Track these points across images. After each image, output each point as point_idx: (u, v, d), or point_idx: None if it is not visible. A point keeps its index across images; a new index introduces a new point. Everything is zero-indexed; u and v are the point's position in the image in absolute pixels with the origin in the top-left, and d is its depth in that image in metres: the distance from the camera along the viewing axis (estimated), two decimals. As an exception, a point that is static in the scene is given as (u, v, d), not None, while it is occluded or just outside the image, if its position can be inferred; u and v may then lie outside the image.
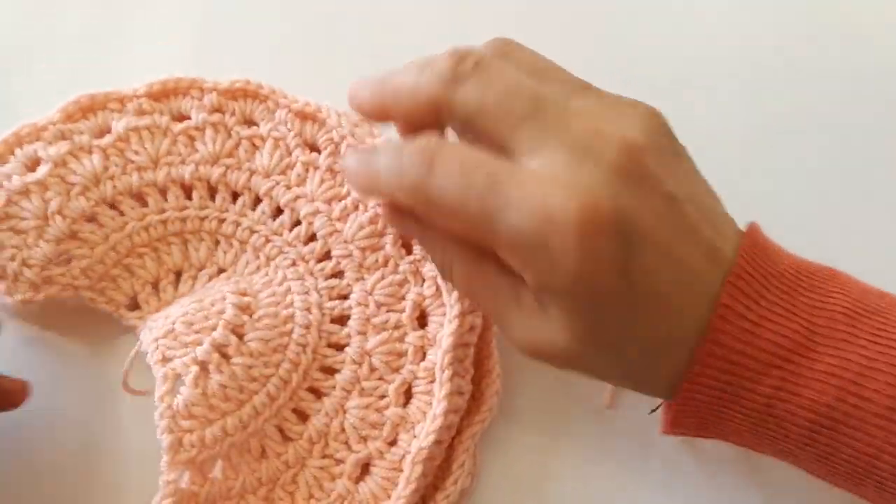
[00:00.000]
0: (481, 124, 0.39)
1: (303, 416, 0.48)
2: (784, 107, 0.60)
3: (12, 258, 0.48)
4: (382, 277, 0.49)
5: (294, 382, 0.47)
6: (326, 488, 0.47)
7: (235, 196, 0.52)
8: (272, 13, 0.64)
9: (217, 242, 0.51)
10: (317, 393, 0.48)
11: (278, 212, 0.51)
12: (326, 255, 0.50)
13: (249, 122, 0.52)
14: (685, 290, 0.38)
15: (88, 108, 0.51)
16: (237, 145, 0.52)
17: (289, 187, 0.51)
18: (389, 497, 0.46)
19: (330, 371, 0.48)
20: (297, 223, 0.51)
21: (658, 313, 0.38)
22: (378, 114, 0.44)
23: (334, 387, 0.48)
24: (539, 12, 0.63)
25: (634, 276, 0.37)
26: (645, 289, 0.37)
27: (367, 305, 0.49)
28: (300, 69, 0.61)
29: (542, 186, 0.36)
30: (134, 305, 0.51)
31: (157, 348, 0.45)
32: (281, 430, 0.47)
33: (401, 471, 0.46)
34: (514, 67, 0.40)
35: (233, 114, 0.52)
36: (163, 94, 0.52)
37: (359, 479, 0.47)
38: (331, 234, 0.50)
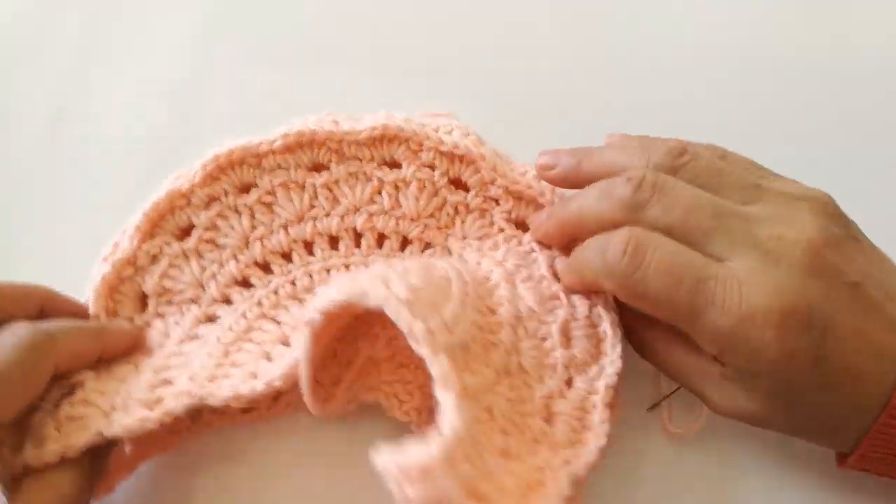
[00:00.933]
0: (676, 232, 0.43)
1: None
2: (784, 106, 0.60)
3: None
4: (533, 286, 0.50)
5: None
6: (518, 424, 0.45)
7: (381, 240, 0.52)
8: (272, 13, 0.64)
9: None
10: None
11: (426, 248, 0.52)
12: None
13: (391, 165, 0.52)
14: (872, 361, 0.41)
15: (227, 165, 0.51)
16: (379, 191, 0.51)
17: (439, 228, 0.52)
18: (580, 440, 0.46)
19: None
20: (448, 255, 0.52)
21: (847, 385, 0.41)
22: (566, 239, 0.49)
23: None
24: (539, 12, 0.63)
25: (826, 361, 0.41)
26: (835, 367, 0.41)
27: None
28: (303, 75, 0.61)
29: (742, 288, 0.41)
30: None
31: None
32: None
33: (587, 412, 0.46)
34: (689, 181, 0.45)
35: (371, 160, 0.52)
36: (297, 145, 0.51)
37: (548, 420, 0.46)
38: (483, 256, 0.51)
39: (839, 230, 0.43)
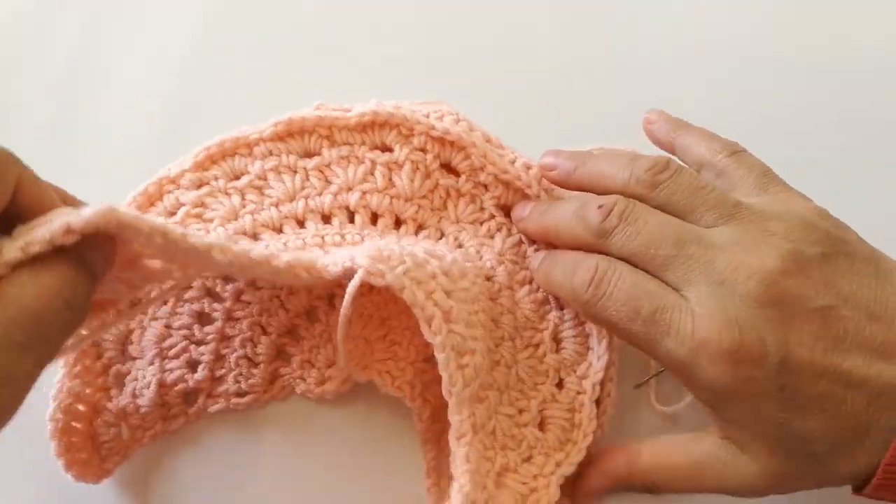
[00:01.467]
0: (636, 264, 0.44)
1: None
2: (783, 106, 0.60)
3: None
4: (529, 293, 0.51)
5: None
6: (517, 437, 0.47)
7: (375, 219, 0.51)
8: (272, 13, 0.64)
9: None
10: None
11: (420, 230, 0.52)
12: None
13: (383, 149, 0.52)
14: (854, 393, 0.40)
15: (219, 155, 0.51)
16: (372, 171, 0.51)
17: (433, 210, 0.51)
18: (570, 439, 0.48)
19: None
20: (441, 237, 0.52)
21: (833, 413, 0.40)
22: (543, 241, 0.51)
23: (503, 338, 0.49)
24: (539, 12, 0.63)
25: (793, 391, 0.40)
26: (808, 395, 0.40)
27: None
28: (303, 75, 0.61)
29: (694, 319, 0.41)
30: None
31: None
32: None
33: (576, 411, 0.48)
34: (666, 199, 0.45)
35: (362, 144, 0.52)
36: (287, 134, 0.51)
37: (541, 426, 0.48)
38: (482, 245, 0.51)
39: (815, 250, 0.42)
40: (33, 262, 0.32)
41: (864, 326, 0.41)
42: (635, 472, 0.46)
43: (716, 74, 0.61)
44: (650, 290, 0.42)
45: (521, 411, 0.47)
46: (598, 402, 0.49)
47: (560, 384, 0.49)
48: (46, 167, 0.57)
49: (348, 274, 0.41)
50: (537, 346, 0.49)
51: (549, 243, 0.50)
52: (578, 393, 0.48)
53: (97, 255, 0.35)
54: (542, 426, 0.48)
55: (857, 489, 0.43)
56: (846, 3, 0.64)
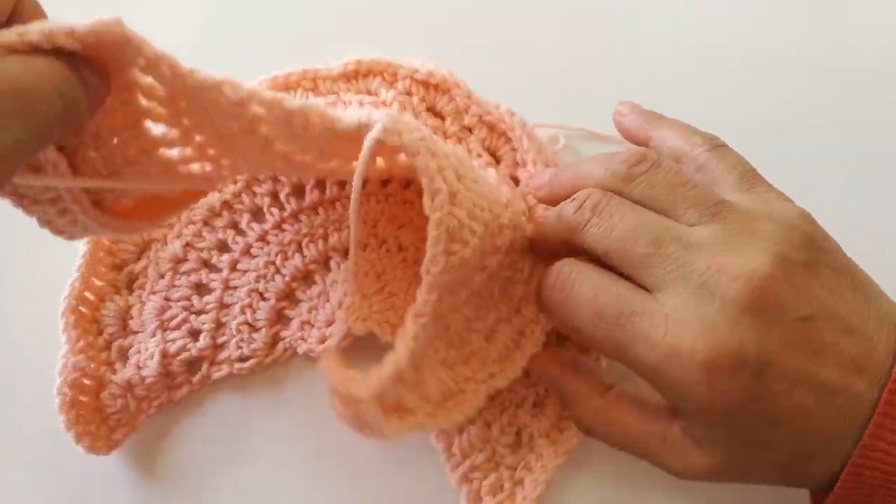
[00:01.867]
0: (610, 263, 0.42)
1: None
2: (783, 106, 0.59)
3: None
4: None
5: None
6: (464, 338, 0.47)
7: None
8: (273, 13, 0.65)
9: None
10: None
11: None
12: None
13: (370, 94, 0.53)
14: (827, 404, 0.38)
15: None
16: None
17: None
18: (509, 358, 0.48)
19: None
20: None
21: (802, 426, 0.39)
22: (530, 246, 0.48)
23: None
24: (539, 12, 0.64)
25: (768, 401, 0.38)
26: (782, 407, 0.38)
27: None
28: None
29: (668, 325, 0.38)
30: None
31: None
32: None
33: (524, 336, 0.48)
34: (643, 193, 0.43)
35: (348, 91, 0.54)
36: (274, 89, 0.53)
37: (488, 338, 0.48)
38: None
39: (801, 257, 0.40)
40: (28, 49, 0.31)
41: (839, 339, 0.39)
42: (587, 407, 0.45)
43: (716, 74, 0.61)
44: (618, 293, 0.40)
45: (478, 319, 0.46)
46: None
47: (518, 310, 0.48)
48: None
49: (363, 129, 0.39)
50: (515, 271, 0.48)
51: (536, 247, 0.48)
52: (532, 322, 0.47)
53: (94, 77, 0.34)
54: (489, 338, 0.47)
55: (815, 498, 0.42)
56: (846, 2, 0.64)
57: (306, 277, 0.51)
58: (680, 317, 0.38)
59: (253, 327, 0.51)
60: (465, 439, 0.48)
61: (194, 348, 0.50)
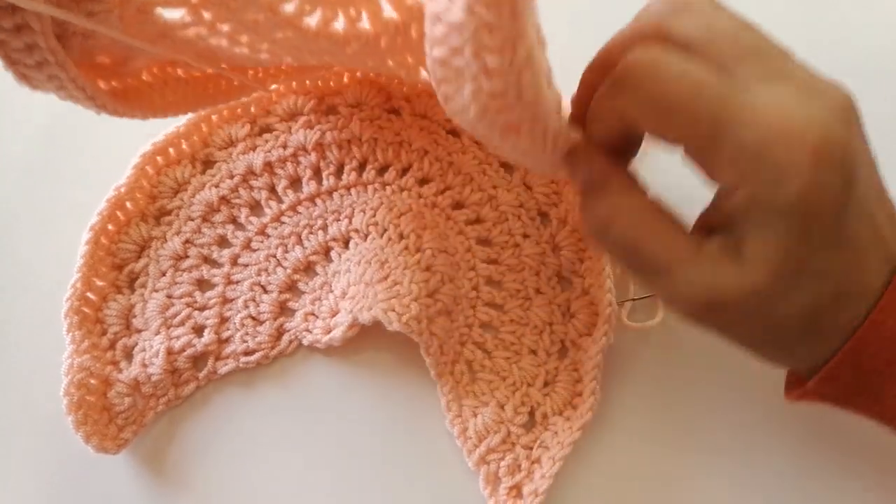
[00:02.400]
0: (703, 49, 0.37)
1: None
2: None
3: None
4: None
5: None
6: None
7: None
8: None
9: None
10: None
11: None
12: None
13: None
14: (876, 249, 0.37)
15: None
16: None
17: None
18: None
19: None
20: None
21: (853, 261, 0.37)
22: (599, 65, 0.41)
23: None
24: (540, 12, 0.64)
25: (847, 217, 0.36)
26: (850, 233, 0.36)
27: None
28: None
29: (780, 109, 0.35)
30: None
31: None
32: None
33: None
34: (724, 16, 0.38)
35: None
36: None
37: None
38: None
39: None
40: None
41: (886, 196, 0.39)
42: (625, 202, 0.39)
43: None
44: (711, 78, 0.35)
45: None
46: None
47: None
48: (46, 167, 0.58)
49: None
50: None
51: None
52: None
53: None
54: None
55: (797, 385, 0.41)
56: (846, 3, 0.65)
57: (308, 269, 0.52)
58: (789, 104, 0.35)
59: (257, 321, 0.51)
60: (480, 422, 0.49)
61: (199, 344, 0.50)
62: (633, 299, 0.51)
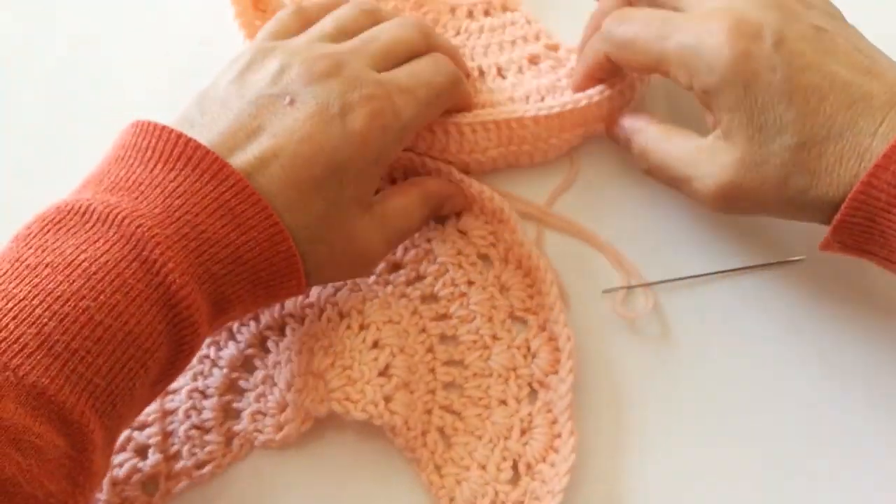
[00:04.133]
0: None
1: None
2: None
3: None
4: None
5: None
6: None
7: None
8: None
9: None
10: None
11: None
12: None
13: None
14: (839, 92, 0.43)
15: None
16: None
17: None
18: None
19: None
20: None
21: (815, 106, 0.43)
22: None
23: None
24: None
25: (784, 73, 0.43)
26: (796, 83, 0.43)
27: None
28: None
29: (703, 15, 0.46)
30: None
31: None
32: None
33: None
34: None
35: None
36: None
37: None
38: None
39: (821, 4, 0.48)
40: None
41: (852, 52, 0.44)
42: (647, 135, 0.51)
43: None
44: (661, 11, 0.49)
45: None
46: None
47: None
48: (46, 167, 0.57)
49: None
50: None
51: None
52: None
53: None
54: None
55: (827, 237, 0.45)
56: (846, 2, 0.64)
57: (246, 364, 0.49)
58: (712, 9, 0.46)
59: (202, 429, 0.48)
60: (466, 489, 0.47)
61: (145, 466, 0.47)
62: (625, 287, 0.52)
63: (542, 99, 0.55)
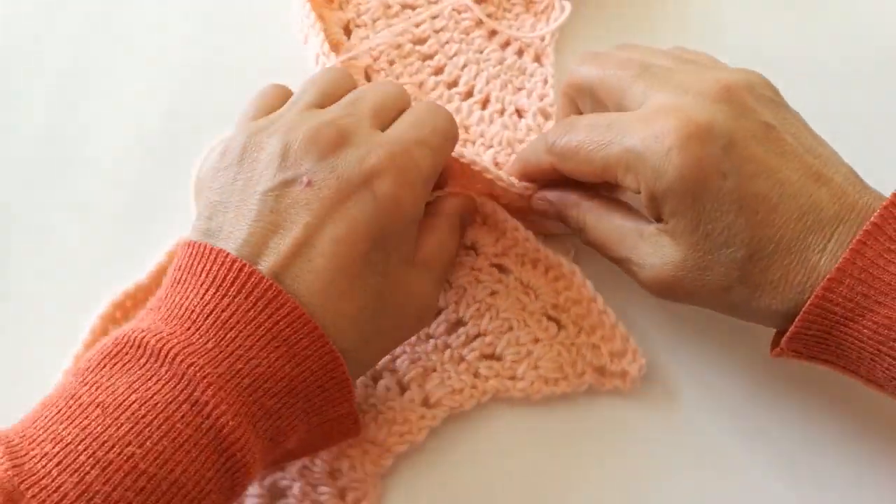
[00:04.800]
0: (602, 92, 0.49)
1: None
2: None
3: None
4: None
5: None
6: None
7: None
8: (274, 11, 0.64)
9: None
10: None
11: None
12: None
13: None
14: (788, 202, 0.43)
15: None
16: None
17: None
18: None
19: None
20: None
21: (764, 218, 0.43)
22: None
23: None
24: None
25: (735, 181, 0.43)
26: (746, 191, 0.43)
27: None
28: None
29: (648, 116, 0.44)
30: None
31: None
32: None
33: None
34: (626, 52, 0.50)
35: None
36: None
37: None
38: None
39: (766, 91, 0.46)
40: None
41: (802, 153, 0.44)
42: (581, 207, 0.50)
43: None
44: (607, 114, 0.48)
45: None
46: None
47: None
48: (46, 167, 0.59)
49: None
50: None
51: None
52: None
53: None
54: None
55: (776, 342, 0.46)
56: (846, 3, 0.63)
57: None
58: (658, 108, 0.44)
59: None
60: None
61: None
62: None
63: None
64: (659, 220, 0.46)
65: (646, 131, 0.43)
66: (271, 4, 0.63)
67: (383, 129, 0.46)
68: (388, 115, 0.48)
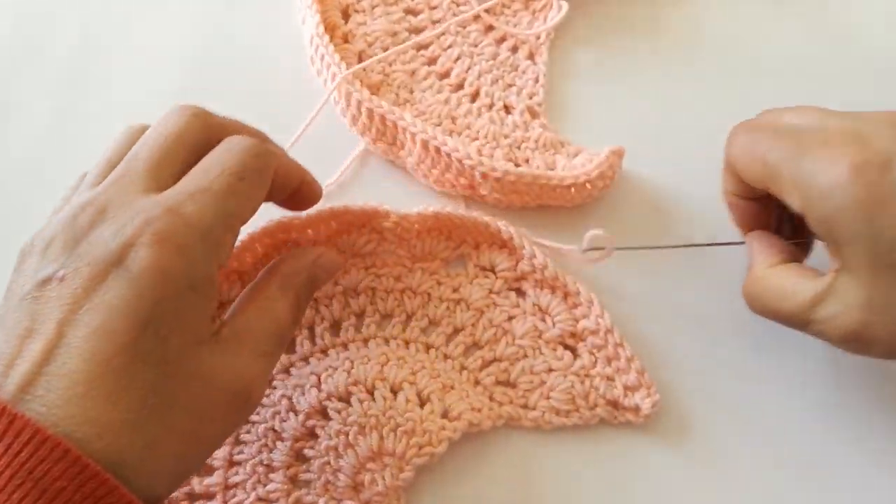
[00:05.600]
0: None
1: None
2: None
3: None
4: None
5: None
6: None
7: None
8: (274, 11, 0.64)
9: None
10: None
11: None
12: None
13: None
14: None
15: None
16: None
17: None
18: None
19: None
20: None
21: None
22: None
23: None
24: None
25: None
26: None
27: None
28: (302, 80, 0.62)
29: (828, 138, 0.44)
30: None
31: None
32: None
33: None
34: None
35: None
36: None
37: None
38: None
39: None
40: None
41: None
42: (752, 275, 0.49)
43: (718, 75, 0.63)
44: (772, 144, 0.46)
45: None
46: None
47: None
48: (46, 167, 0.60)
49: None
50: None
51: None
52: None
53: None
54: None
55: None
56: (846, 3, 0.63)
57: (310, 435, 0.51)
58: (838, 129, 0.44)
59: (267, 501, 0.50)
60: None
61: (199, 485, 0.50)
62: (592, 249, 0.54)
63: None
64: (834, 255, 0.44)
65: (820, 152, 0.43)
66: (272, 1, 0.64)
67: (167, 187, 0.40)
68: (172, 164, 0.41)
